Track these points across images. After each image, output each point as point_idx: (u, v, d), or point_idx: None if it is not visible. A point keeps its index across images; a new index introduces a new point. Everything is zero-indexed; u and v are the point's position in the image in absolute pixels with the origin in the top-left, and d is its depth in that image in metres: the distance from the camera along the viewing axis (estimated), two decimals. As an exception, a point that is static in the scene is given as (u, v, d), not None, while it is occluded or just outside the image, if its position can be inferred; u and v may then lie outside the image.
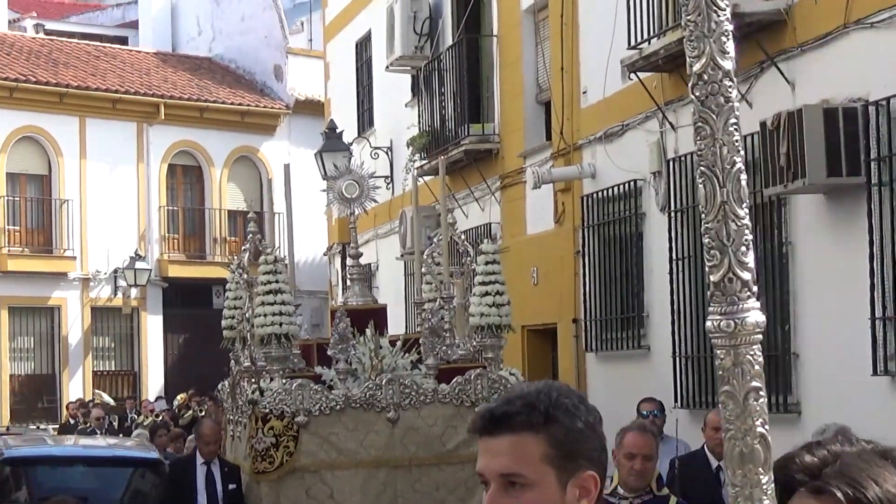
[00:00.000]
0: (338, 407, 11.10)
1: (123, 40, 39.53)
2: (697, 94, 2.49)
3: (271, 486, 11.12)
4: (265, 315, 11.17)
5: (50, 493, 12.88)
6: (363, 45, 24.98)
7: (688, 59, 2.46)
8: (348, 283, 12.97)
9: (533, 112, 17.94)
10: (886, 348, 10.58)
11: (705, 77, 2.48)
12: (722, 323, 2.39)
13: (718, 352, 2.38)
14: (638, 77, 14.09)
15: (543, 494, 2.57)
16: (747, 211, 2.41)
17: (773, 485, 2.27)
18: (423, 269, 12.73)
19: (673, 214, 13.84)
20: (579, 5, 16.05)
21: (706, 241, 2.38)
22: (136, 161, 33.56)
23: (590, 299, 15.93)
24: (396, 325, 17.31)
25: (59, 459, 13.67)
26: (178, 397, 27.60)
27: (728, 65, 2.45)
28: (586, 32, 15.88)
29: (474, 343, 11.66)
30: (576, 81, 16.16)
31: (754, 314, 2.38)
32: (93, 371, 32.93)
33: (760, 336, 2.34)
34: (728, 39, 2.47)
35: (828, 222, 11.48)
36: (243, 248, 13.05)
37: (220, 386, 13.34)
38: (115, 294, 32.98)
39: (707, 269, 2.40)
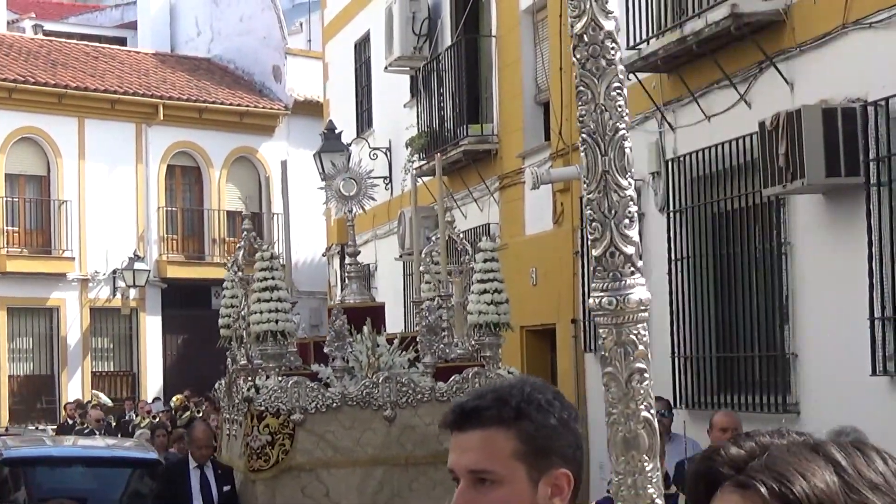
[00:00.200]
0: (334, 405, 11.07)
1: (122, 41, 39.53)
2: (578, 56, 2.34)
3: (267, 484, 11.10)
4: (261, 312, 11.15)
5: (49, 493, 12.88)
6: (362, 46, 24.98)
7: (569, 20, 2.34)
8: (346, 281, 12.95)
9: (532, 112, 17.94)
10: (885, 348, 10.58)
11: (586, 38, 2.32)
12: (604, 300, 2.28)
13: (601, 330, 2.29)
14: (637, 77, 14.09)
15: (513, 491, 2.49)
16: (631, 181, 2.26)
17: (658, 472, 2.17)
18: (421, 268, 12.72)
19: (672, 215, 13.84)
20: (578, 6, 16.04)
21: (587, 212, 2.26)
22: (135, 162, 33.55)
23: (589, 300, 15.91)
24: (395, 326, 17.30)
25: (58, 460, 13.66)
26: (175, 398, 27.59)
27: (610, 25, 2.28)
28: (585, 33, 15.86)
29: (473, 341, 11.64)
30: (574, 82, 16.13)
31: (639, 291, 2.27)
32: (92, 372, 32.92)
33: (646, 314, 2.27)
34: None
35: (827, 222, 11.48)
36: (238, 245, 13.04)
37: (217, 384, 13.33)
38: (114, 295, 32.97)
39: (589, 242, 2.27)
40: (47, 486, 13.07)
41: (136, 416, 25.38)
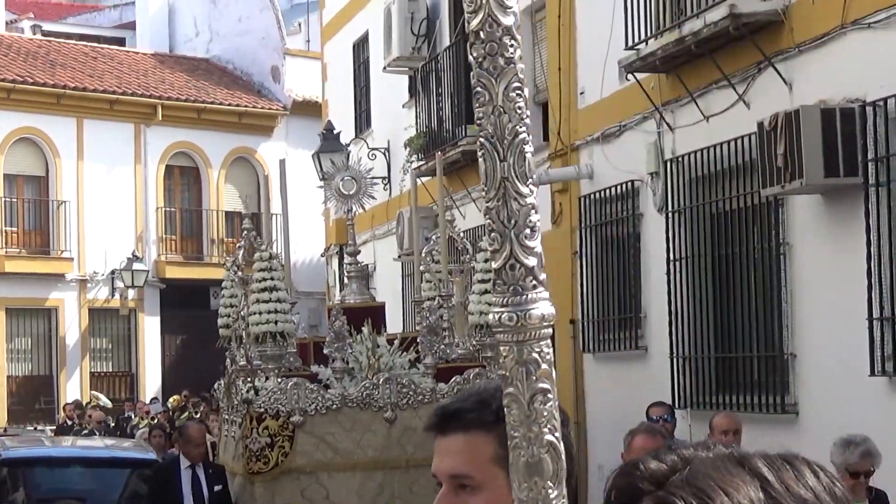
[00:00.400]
0: (334, 406, 10.98)
1: (121, 41, 39.52)
2: (475, 54, 2.16)
3: (266, 486, 11.05)
4: (260, 313, 11.10)
5: (47, 493, 12.89)
6: (360, 46, 24.98)
7: (466, 16, 2.30)
8: (346, 281, 12.91)
9: (530, 113, 17.92)
10: (884, 348, 10.58)
11: (482, 35, 2.15)
12: (504, 316, 2.11)
13: (502, 348, 2.11)
14: (635, 78, 14.09)
15: (492, 497, 2.45)
16: (533, 188, 2.09)
17: (563, 499, 2.08)
18: (421, 268, 12.66)
19: (670, 215, 13.84)
20: (577, 6, 16.05)
21: (487, 222, 2.12)
22: (134, 162, 33.55)
23: (587, 300, 15.93)
24: (394, 326, 17.29)
25: (57, 460, 13.66)
26: (172, 398, 27.58)
27: (508, 20, 2.11)
28: (583, 33, 15.88)
29: (474, 342, 11.55)
30: (573, 82, 16.16)
31: (542, 306, 2.11)
32: (90, 372, 32.92)
33: (549, 331, 2.09)
34: None
35: (825, 223, 11.48)
36: (238, 245, 13.00)
37: (215, 385, 13.30)
38: (113, 295, 32.97)
39: (489, 254, 2.13)
40: (46, 486, 13.08)
41: (135, 416, 25.39)
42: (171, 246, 34.26)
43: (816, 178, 10.79)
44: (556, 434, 2.11)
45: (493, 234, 2.12)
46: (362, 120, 24.97)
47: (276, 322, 11.03)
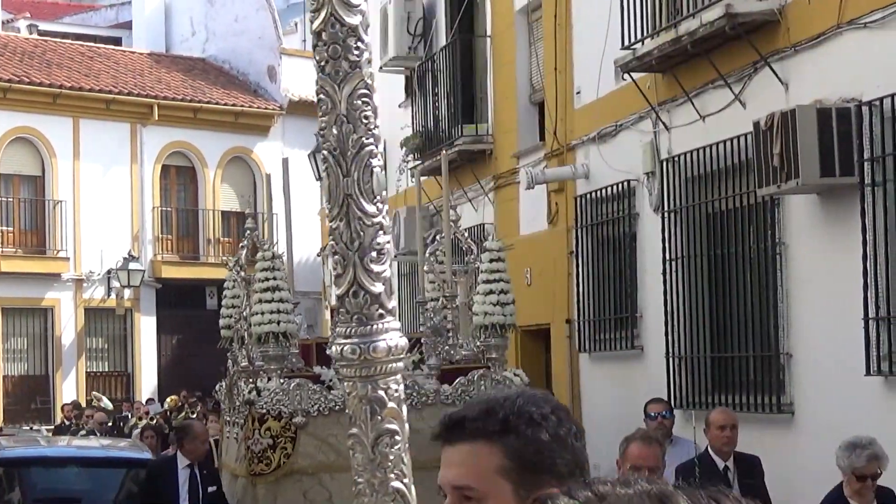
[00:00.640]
0: (337, 408, 10.77)
1: (117, 41, 39.49)
2: (317, 57, 1.95)
3: (268, 488, 10.95)
4: (262, 313, 11.00)
5: (43, 493, 12.87)
6: (357, 46, 24.96)
7: (308, 15, 1.97)
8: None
9: (526, 112, 17.93)
10: (880, 348, 10.58)
11: (325, 36, 1.92)
12: (346, 348, 1.90)
13: (346, 384, 1.92)
14: (631, 77, 14.09)
15: None
16: (382, 206, 1.89)
17: None
18: (426, 268, 12.56)
19: (666, 215, 13.84)
20: (573, 6, 16.05)
21: (331, 243, 1.92)
22: (130, 162, 33.53)
23: (583, 300, 15.93)
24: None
25: (53, 460, 13.63)
26: (170, 399, 27.56)
27: (354, 20, 1.91)
28: (580, 33, 15.88)
29: (478, 343, 11.46)
30: (569, 82, 16.16)
31: (390, 337, 1.90)
32: (86, 372, 32.89)
33: (399, 365, 1.91)
34: None
35: (821, 222, 11.48)
36: (241, 245, 12.90)
37: (217, 386, 13.24)
38: (109, 295, 32.95)
39: (332, 279, 1.95)
40: (41, 486, 13.06)
41: (132, 416, 25.35)
42: (167, 246, 34.24)
43: (812, 177, 10.79)
44: (405, 480, 1.95)
45: (335, 257, 1.92)
46: (358, 120, 24.95)
47: (278, 322, 10.92)
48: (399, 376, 1.91)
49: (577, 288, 16.05)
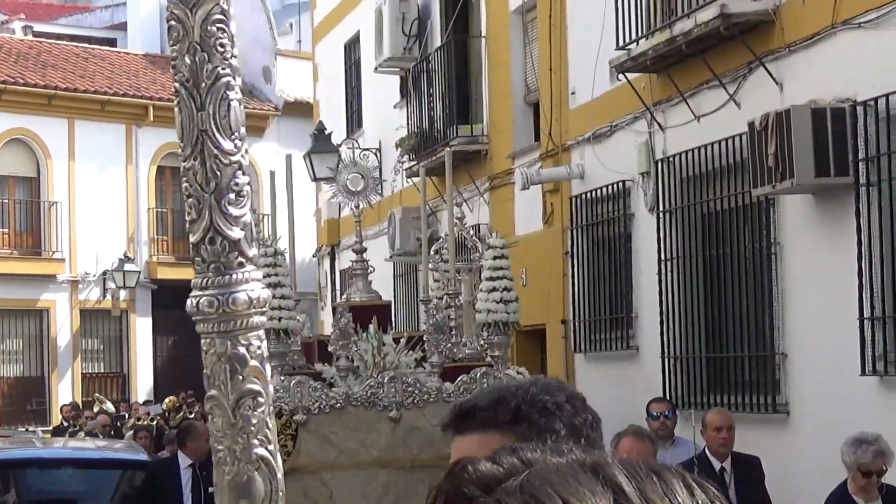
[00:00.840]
0: (338, 405, 10.73)
1: (112, 42, 39.47)
2: None
3: (268, 487, 10.95)
4: None
5: (38, 495, 12.86)
6: (352, 47, 24.97)
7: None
8: (351, 279, 12.77)
9: (521, 113, 17.94)
10: (875, 348, 10.58)
11: None
12: (202, 300, 1.75)
13: (203, 340, 1.75)
14: (626, 77, 14.09)
15: None
16: (241, 144, 1.71)
17: None
18: (430, 266, 12.50)
19: (662, 215, 13.84)
20: (567, 6, 16.05)
21: (184, 185, 1.71)
22: (125, 163, 33.53)
23: (579, 300, 15.93)
24: (386, 326, 17.28)
25: (48, 462, 13.61)
26: (168, 400, 27.55)
27: None
28: (574, 33, 15.88)
29: (482, 341, 11.44)
30: (564, 82, 16.16)
31: (251, 288, 1.72)
32: (82, 373, 32.88)
33: (261, 318, 1.72)
34: None
35: (816, 222, 11.48)
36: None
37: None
38: (104, 296, 32.94)
39: (188, 225, 1.74)
40: (37, 487, 13.05)
41: (128, 417, 25.34)
42: (162, 247, 34.23)
43: (807, 177, 10.79)
44: (270, 447, 1.73)
45: (189, 201, 1.72)
46: (353, 120, 24.96)
47: (279, 319, 10.88)
48: (262, 332, 1.72)
49: (573, 288, 16.05)
